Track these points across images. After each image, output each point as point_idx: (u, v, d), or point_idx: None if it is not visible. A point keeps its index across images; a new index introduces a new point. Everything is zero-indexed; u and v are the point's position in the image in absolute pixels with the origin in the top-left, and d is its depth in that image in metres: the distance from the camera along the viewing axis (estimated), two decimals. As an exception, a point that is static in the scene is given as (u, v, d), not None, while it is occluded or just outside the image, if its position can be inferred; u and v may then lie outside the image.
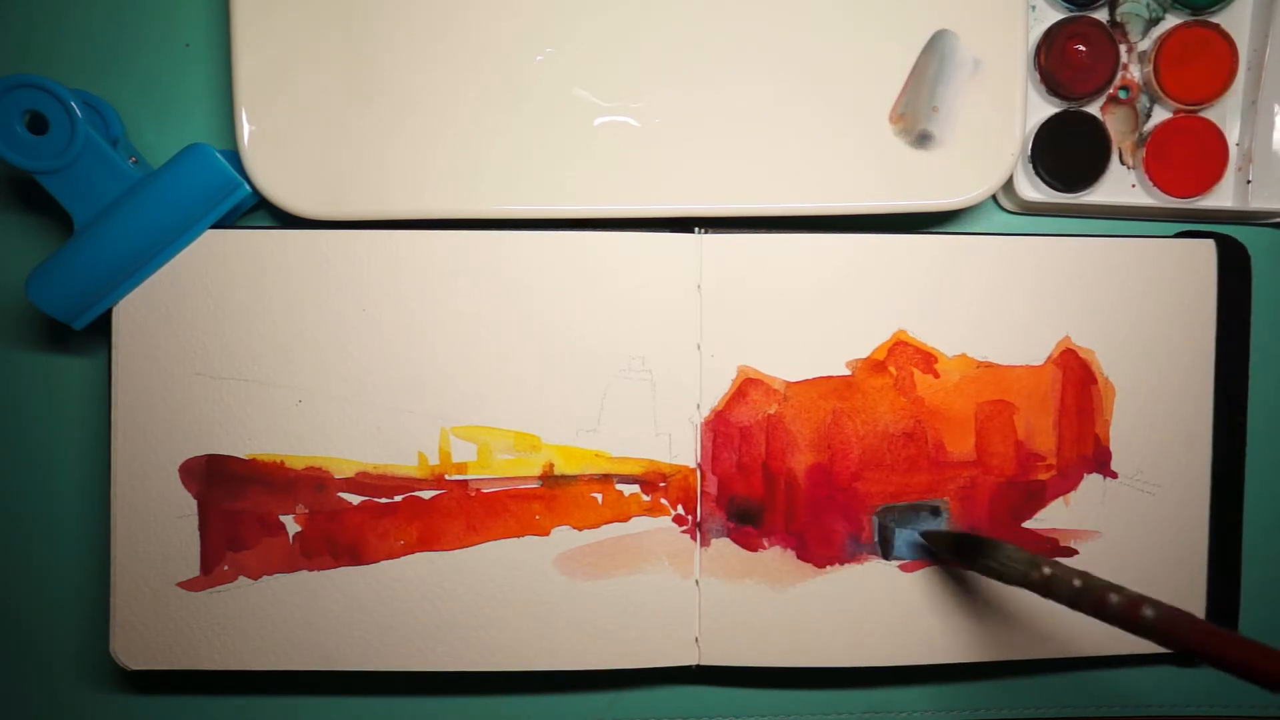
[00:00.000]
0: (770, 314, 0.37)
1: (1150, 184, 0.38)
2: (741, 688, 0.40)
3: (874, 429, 0.37)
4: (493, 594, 0.37)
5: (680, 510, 0.37)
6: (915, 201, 0.36)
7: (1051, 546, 0.38)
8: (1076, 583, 0.31)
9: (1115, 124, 0.39)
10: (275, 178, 0.36)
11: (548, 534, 0.37)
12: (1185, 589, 0.38)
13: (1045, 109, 0.38)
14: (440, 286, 0.36)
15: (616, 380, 0.37)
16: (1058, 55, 0.38)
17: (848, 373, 0.37)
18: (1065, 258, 0.37)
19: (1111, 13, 0.38)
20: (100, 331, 0.37)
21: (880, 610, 0.37)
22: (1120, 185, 0.39)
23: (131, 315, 0.36)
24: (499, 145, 0.36)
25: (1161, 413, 0.38)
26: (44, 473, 0.39)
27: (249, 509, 0.36)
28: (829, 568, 0.37)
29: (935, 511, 0.37)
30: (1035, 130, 0.38)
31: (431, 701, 0.40)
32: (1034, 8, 0.38)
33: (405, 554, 0.36)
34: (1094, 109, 0.39)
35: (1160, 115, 0.39)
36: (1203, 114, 0.38)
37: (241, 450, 0.36)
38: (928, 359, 0.37)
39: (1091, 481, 0.38)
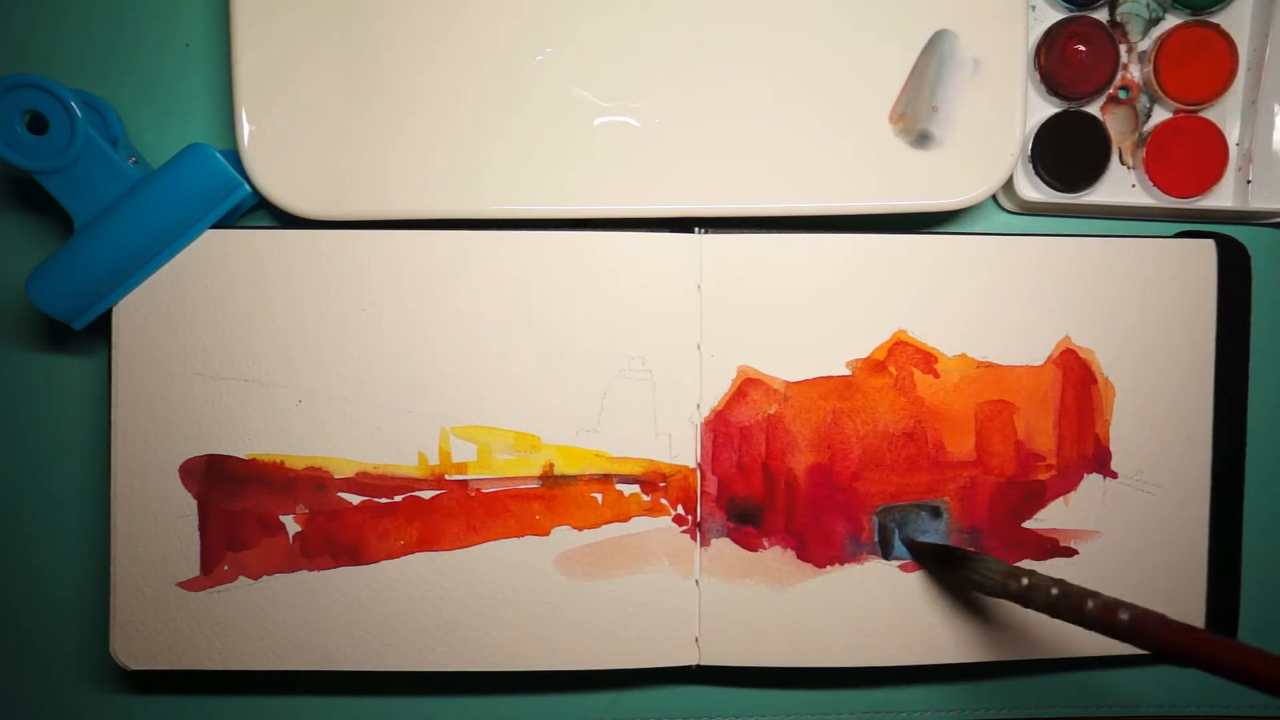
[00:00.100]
0: (770, 314, 0.37)
1: (1150, 184, 0.38)
2: (741, 688, 0.40)
3: (874, 429, 0.37)
4: (493, 594, 0.37)
5: (680, 510, 0.37)
6: (915, 201, 0.36)
7: (1051, 546, 0.38)
8: (1054, 591, 0.32)
9: (1115, 124, 0.39)
10: (275, 178, 0.36)
11: (548, 534, 0.37)
12: (1185, 589, 0.38)
13: (1045, 109, 0.38)
14: (440, 286, 0.36)
15: (616, 380, 0.37)
16: (1058, 55, 0.38)
17: (848, 373, 0.37)
18: (1065, 258, 0.37)
19: (1111, 13, 0.38)
20: (100, 331, 0.37)
21: (880, 610, 0.37)
22: (1120, 185, 0.39)
23: (131, 315, 0.36)
24: (499, 145, 0.36)
25: (1161, 413, 0.38)
26: (44, 473, 0.39)
27: (249, 509, 0.36)
28: (829, 568, 0.37)
29: (935, 512, 0.37)
30: (1035, 130, 0.38)
31: (431, 701, 0.40)
32: (1034, 8, 0.38)
33: (405, 554, 0.36)
34: (1094, 109, 0.39)
35: (1160, 115, 0.39)
36: (1203, 114, 0.38)
37: (241, 450, 0.36)
38: (928, 359, 0.37)
39: (1091, 481, 0.38)
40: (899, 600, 0.37)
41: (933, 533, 0.37)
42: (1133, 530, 0.38)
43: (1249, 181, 0.39)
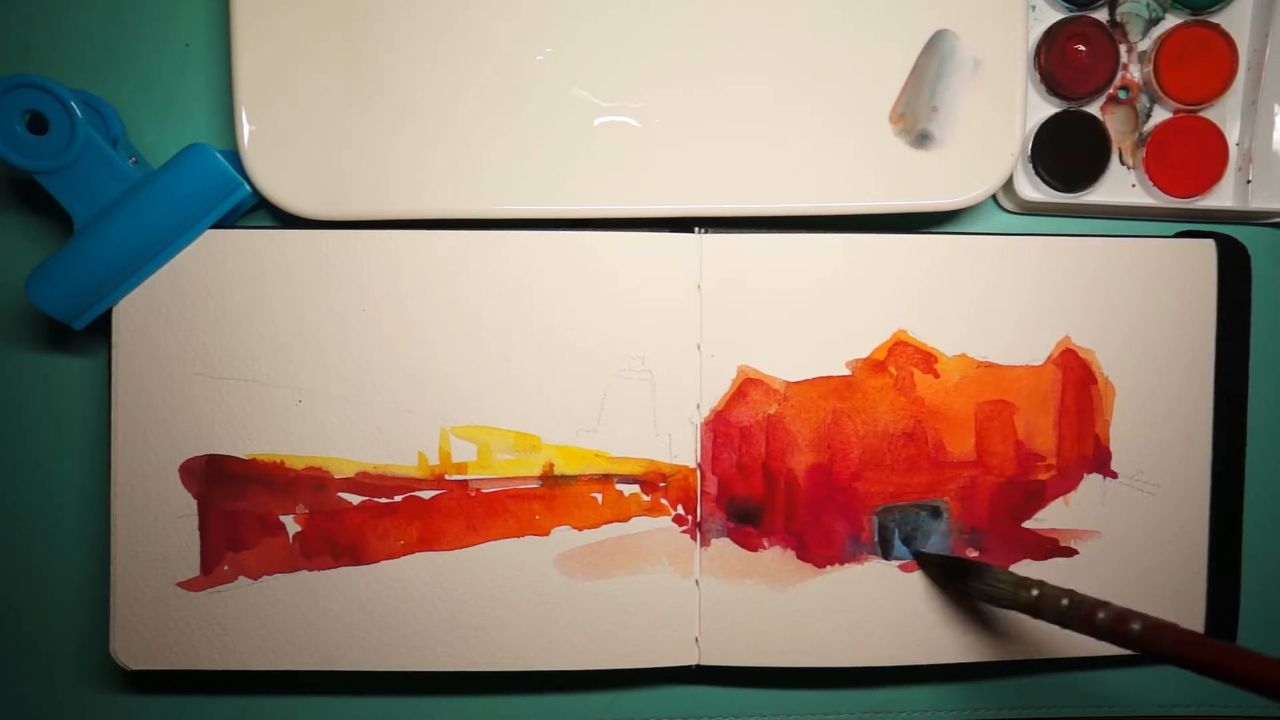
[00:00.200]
0: (770, 314, 0.37)
1: (1150, 184, 0.38)
2: (741, 688, 0.40)
3: (874, 429, 0.37)
4: (493, 594, 0.37)
5: (680, 510, 0.37)
6: (915, 201, 0.36)
7: (1051, 546, 0.38)
8: (1064, 602, 0.32)
9: (1115, 124, 0.39)
10: (275, 178, 0.36)
11: (548, 534, 0.37)
12: (1185, 589, 0.38)
13: (1045, 109, 0.38)
14: (440, 286, 0.36)
15: (616, 380, 0.37)
16: (1058, 55, 0.38)
17: (848, 373, 0.37)
18: (1065, 258, 0.37)
19: (1111, 13, 0.38)
20: (100, 331, 0.37)
21: (880, 610, 0.37)
22: (1120, 185, 0.39)
23: (131, 315, 0.36)
24: (499, 145, 0.36)
25: (1161, 413, 0.38)
26: (44, 473, 0.39)
27: (249, 509, 0.36)
28: (829, 568, 0.37)
29: (935, 512, 0.37)
30: (1035, 130, 0.38)
31: (431, 701, 0.40)
32: (1034, 8, 0.38)
33: (405, 554, 0.36)
34: (1094, 109, 0.39)
35: (1160, 115, 0.39)
36: (1203, 114, 0.38)
37: (241, 450, 0.36)
38: (928, 359, 0.37)
39: (1091, 481, 0.38)
40: (899, 600, 0.37)
41: (933, 533, 0.37)
42: (1133, 530, 0.38)
43: (1249, 181, 0.39)
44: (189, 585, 0.36)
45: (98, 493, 0.39)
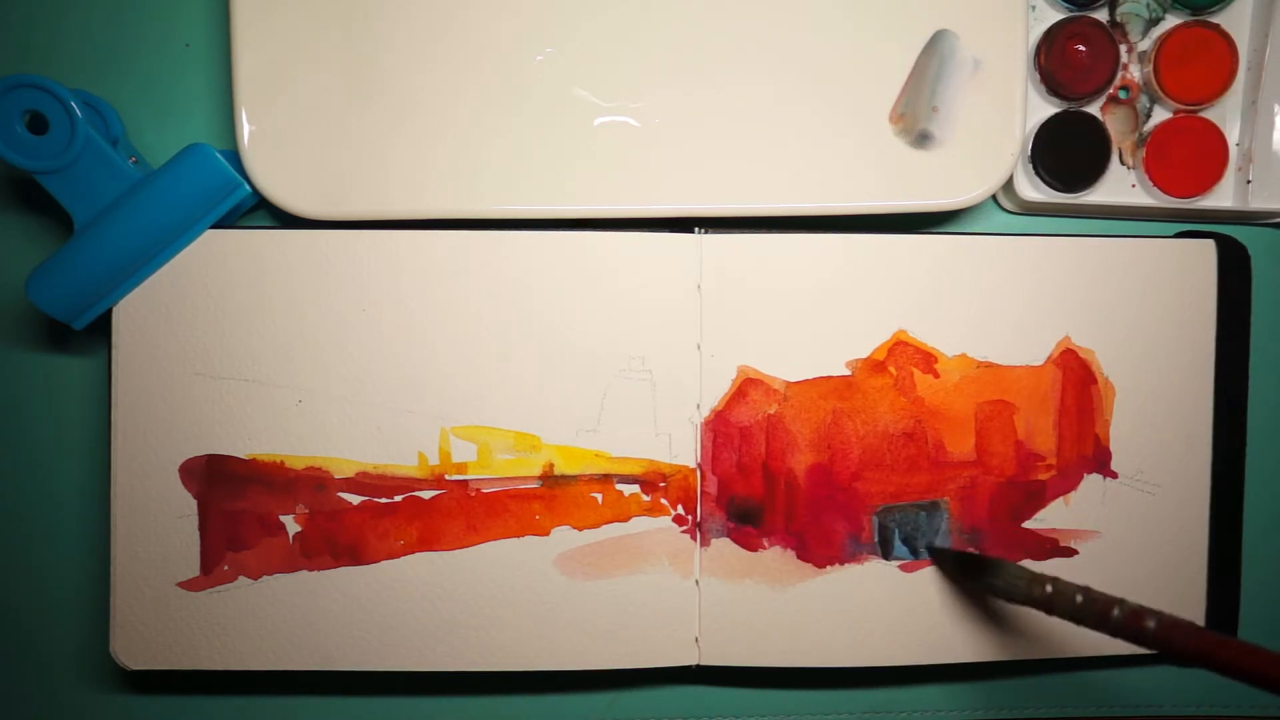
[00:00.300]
0: (770, 314, 0.37)
1: (1150, 184, 0.38)
2: (741, 688, 0.40)
3: (874, 429, 0.37)
4: (493, 594, 0.37)
5: (680, 510, 0.37)
6: (915, 201, 0.36)
7: (1051, 546, 0.38)
8: (1079, 598, 0.32)
9: (1115, 124, 0.39)
10: (275, 178, 0.36)
11: (548, 534, 0.37)
12: (1185, 589, 0.38)
13: (1045, 109, 0.38)
14: (440, 286, 0.36)
15: (616, 380, 0.37)
16: (1058, 55, 0.38)
17: (848, 373, 0.37)
18: (1065, 258, 0.37)
19: (1111, 13, 0.38)
20: (100, 331, 0.37)
21: (880, 610, 0.37)
22: (1120, 185, 0.39)
23: (131, 315, 0.36)
24: (499, 145, 0.36)
25: (1161, 413, 0.38)
26: (44, 473, 0.39)
27: (249, 509, 0.36)
28: (829, 568, 0.37)
29: (935, 512, 0.37)
30: (1035, 130, 0.38)
31: (431, 701, 0.40)
32: (1034, 8, 0.38)
33: (405, 554, 0.36)
34: (1094, 109, 0.39)
35: (1160, 115, 0.39)
36: (1203, 114, 0.38)
37: (241, 450, 0.36)
38: (928, 359, 0.37)
39: (1091, 481, 0.38)
40: (899, 600, 0.37)
41: (932, 533, 0.37)
42: (1133, 530, 0.38)
43: (1249, 181, 0.39)
44: (189, 585, 0.36)
45: (98, 493, 0.39)
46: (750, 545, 0.37)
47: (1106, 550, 0.38)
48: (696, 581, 0.37)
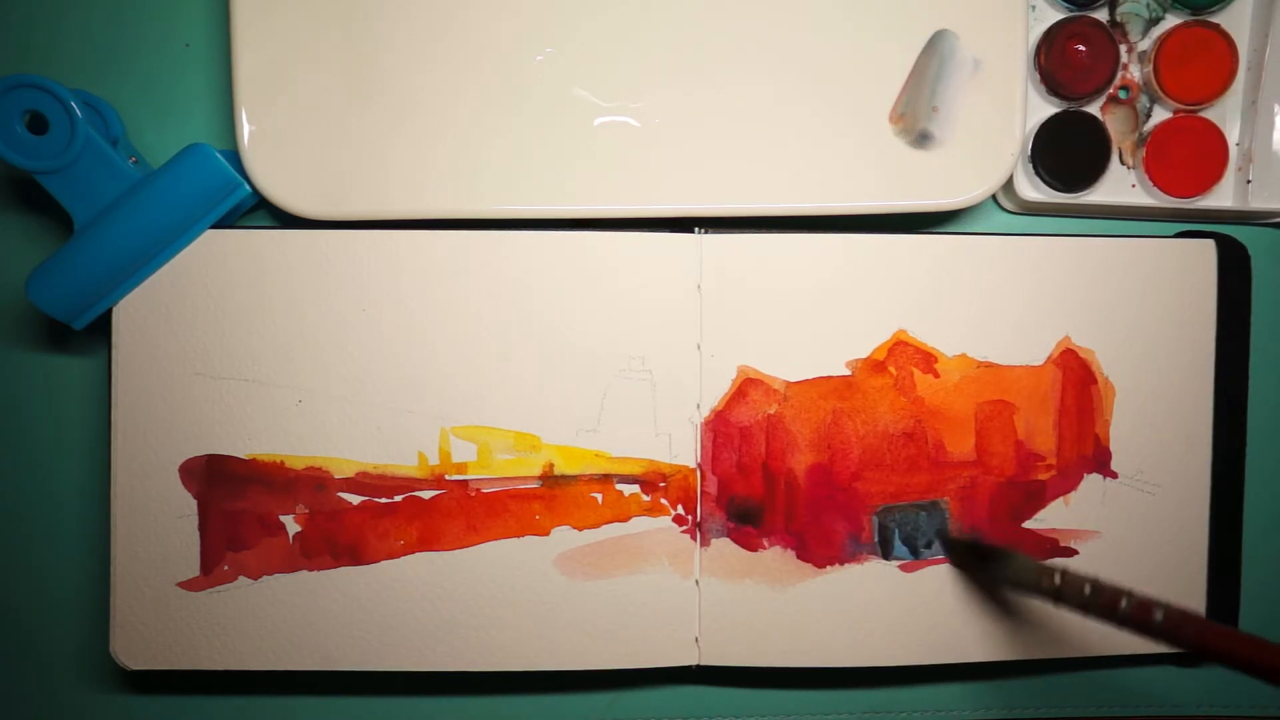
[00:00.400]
0: (770, 314, 0.37)
1: (1150, 184, 0.38)
2: (741, 688, 0.40)
3: (874, 429, 0.37)
4: (493, 594, 0.37)
5: (680, 510, 0.37)
6: (915, 201, 0.36)
7: (1051, 546, 0.38)
8: (1086, 589, 0.32)
9: (1115, 124, 0.39)
10: (275, 178, 0.36)
11: (548, 534, 0.37)
12: (1185, 589, 0.38)
13: (1045, 109, 0.38)
14: (440, 286, 0.36)
15: (616, 380, 0.37)
16: (1058, 55, 0.38)
17: (848, 373, 0.37)
18: (1065, 258, 0.37)
19: (1111, 13, 0.38)
20: (100, 331, 0.37)
21: (880, 610, 0.37)
22: (1120, 185, 0.39)
23: (131, 315, 0.36)
24: (499, 145, 0.36)
25: (1161, 413, 0.38)
26: (44, 473, 0.39)
27: (249, 509, 0.36)
28: (829, 568, 0.37)
29: (935, 512, 0.37)
30: (1035, 130, 0.38)
31: (431, 701, 0.40)
32: (1034, 8, 0.38)
33: (405, 554, 0.36)
34: (1094, 109, 0.39)
35: (1160, 115, 0.39)
36: (1203, 114, 0.38)
37: (241, 450, 0.36)
38: (928, 359, 0.37)
39: (1091, 481, 0.38)
40: (899, 600, 0.37)
41: (932, 533, 0.37)
42: (1133, 530, 0.38)
43: (1249, 181, 0.39)
44: (189, 585, 0.36)
45: (98, 493, 0.39)
46: (750, 545, 0.37)
47: (1106, 550, 0.38)
48: (696, 581, 0.37)
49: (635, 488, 0.37)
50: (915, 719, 0.41)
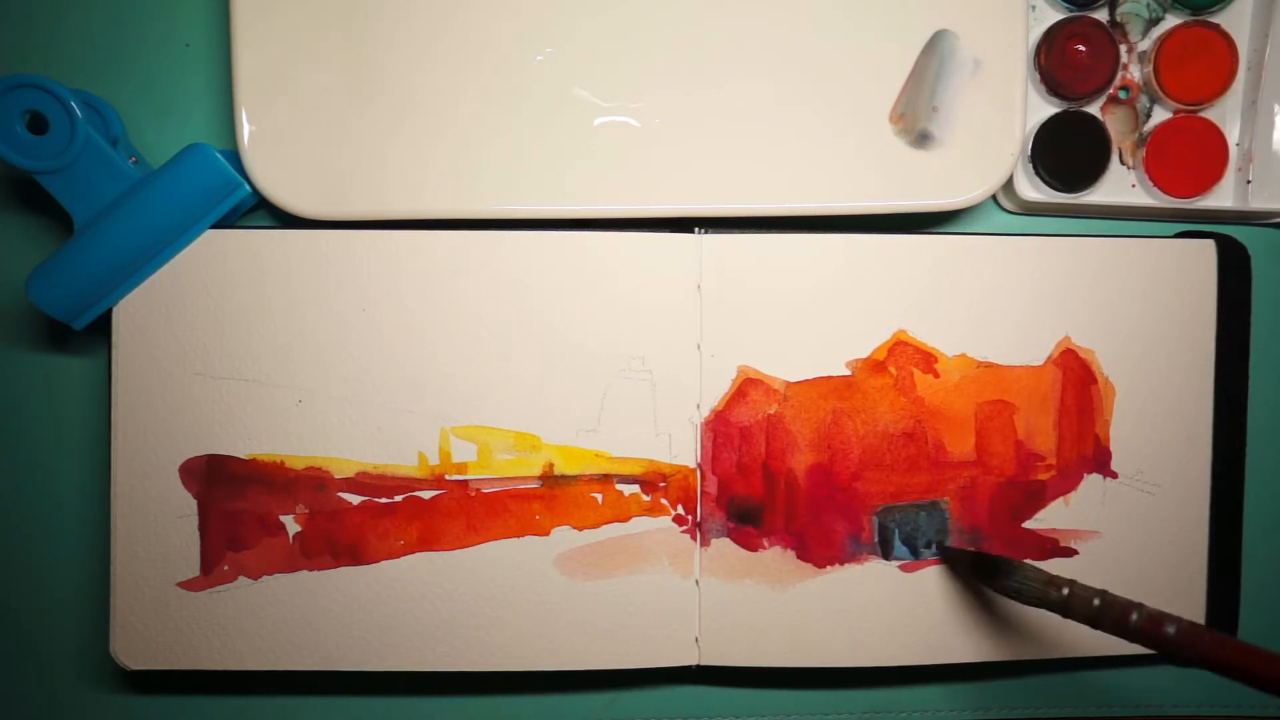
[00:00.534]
0: (770, 314, 0.37)
1: (1150, 184, 0.38)
2: (741, 688, 0.40)
3: (874, 429, 0.37)
4: (493, 594, 0.37)
5: (680, 510, 0.37)
6: (915, 201, 0.36)
7: (1051, 546, 0.38)
8: (1096, 603, 0.31)
9: (1115, 124, 0.39)
10: (275, 178, 0.36)
11: (548, 534, 0.37)
12: (1185, 589, 0.38)
13: (1045, 109, 0.38)
14: (440, 286, 0.36)
15: (616, 380, 0.37)
16: (1058, 55, 0.38)
17: (848, 373, 0.37)
18: (1065, 258, 0.37)
19: (1111, 13, 0.38)
20: (100, 331, 0.37)
21: (880, 610, 0.37)
22: (1120, 185, 0.39)
23: (131, 315, 0.36)
24: (499, 145, 0.36)
25: (1161, 413, 0.38)
26: (44, 473, 0.39)
27: (249, 509, 0.36)
28: (829, 568, 0.37)
29: (935, 512, 0.37)
30: (1035, 130, 0.38)
31: (431, 701, 0.40)
32: (1034, 8, 0.38)
33: (405, 554, 0.37)
34: (1094, 109, 0.39)
35: (1160, 115, 0.39)
36: (1203, 114, 0.38)
37: (241, 450, 0.36)
38: (928, 359, 0.37)
39: (1091, 481, 0.38)
40: (899, 600, 0.37)
41: (932, 533, 0.37)
42: (1133, 530, 0.38)
43: (1249, 181, 0.39)
44: (189, 585, 0.36)
45: (98, 493, 0.39)
46: (750, 545, 0.37)
47: (1106, 550, 0.38)
48: (696, 581, 0.37)
49: (635, 488, 0.37)
50: (915, 719, 0.41)
